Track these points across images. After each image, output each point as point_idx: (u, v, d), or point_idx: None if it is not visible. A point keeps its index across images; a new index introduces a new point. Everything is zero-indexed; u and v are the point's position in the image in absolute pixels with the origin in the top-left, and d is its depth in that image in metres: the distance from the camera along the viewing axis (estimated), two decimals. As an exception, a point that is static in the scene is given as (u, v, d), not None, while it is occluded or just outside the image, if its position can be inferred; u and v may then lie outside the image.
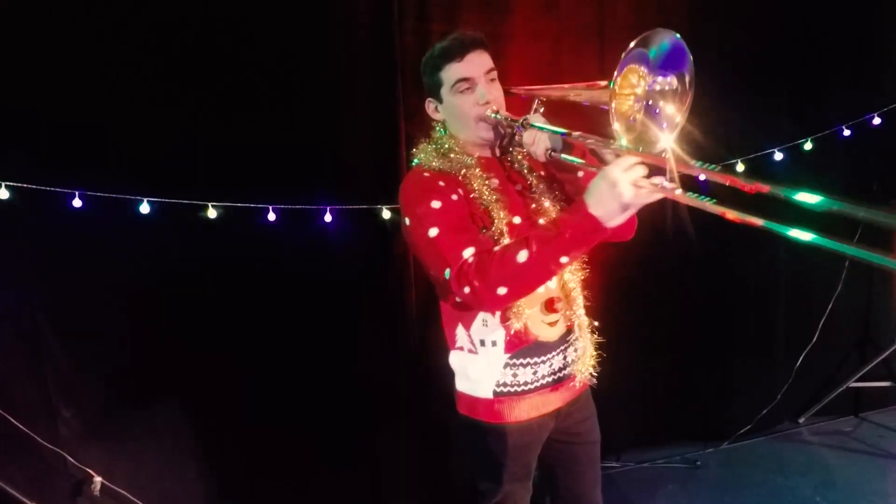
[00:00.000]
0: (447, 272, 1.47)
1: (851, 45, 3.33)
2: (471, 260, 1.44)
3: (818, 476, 3.13)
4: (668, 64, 1.36)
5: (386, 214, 2.67)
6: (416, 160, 1.69)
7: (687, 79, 1.37)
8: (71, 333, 2.44)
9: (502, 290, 1.41)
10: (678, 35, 1.31)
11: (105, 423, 2.54)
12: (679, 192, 1.23)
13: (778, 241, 3.40)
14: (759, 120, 3.16)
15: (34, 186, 2.25)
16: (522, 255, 1.37)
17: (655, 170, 1.28)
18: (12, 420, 2.33)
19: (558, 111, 1.67)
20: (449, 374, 1.80)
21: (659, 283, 3.17)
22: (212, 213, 2.46)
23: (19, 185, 2.24)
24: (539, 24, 2.82)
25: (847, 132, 3.30)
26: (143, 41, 2.35)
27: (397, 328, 2.81)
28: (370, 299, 2.75)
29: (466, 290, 1.43)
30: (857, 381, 3.63)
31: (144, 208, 2.37)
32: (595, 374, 1.76)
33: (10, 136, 2.25)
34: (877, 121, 3.31)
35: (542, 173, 1.73)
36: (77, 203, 2.30)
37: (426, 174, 1.62)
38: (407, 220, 1.58)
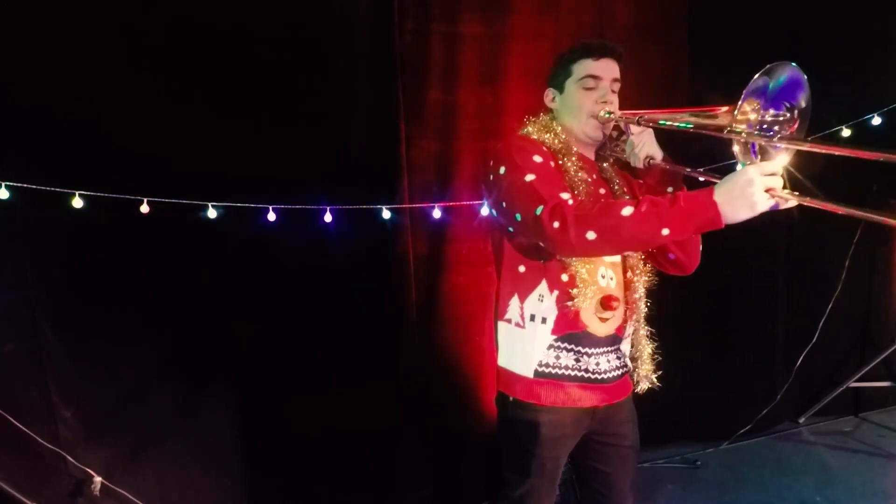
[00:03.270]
0: (539, 209, 1.48)
1: (851, 45, 3.33)
2: (571, 202, 1.48)
3: (818, 476, 3.13)
4: (783, 95, 1.37)
5: (386, 214, 2.67)
6: (521, 131, 1.76)
7: (801, 108, 1.38)
8: (71, 333, 2.44)
9: (591, 235, 1.42)
10: (800, 71, 1.33)
11: (105, 423, 2.53)
12: (800, 199, 1.28)
13: (778, 240, 3.43)
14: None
15: (34, 186, 2.25)
16: (627, 210, 1.40)
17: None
18: (12, 420, 2.33)
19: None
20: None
21: (658, 283, 3.16)
22: (212, 213, 2.46)
23: (19, 185, 2.25)
24: (539, 24, 2.82)
25: (847, 132, 3.30)
26: (144, 41, 2.36)
27: (398, 328, 2.81)
28: (370, 300, 2.75)
29: (556, 224, 1.44)
30: (857, 381, 3.63)
31: (144, 208, 2.37)
32: (655, 380, 1.82)
33: (10, 136, 2.25)
34: (877, 121, 3.31)
35: (626, 189, 1.79)
36: (78, 203, 2.30)
37: (532, 139, 1.71)
38: (502, 169, 1.61)
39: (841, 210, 1.21)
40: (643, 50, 3.05)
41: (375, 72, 2.64)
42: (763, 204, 1.30)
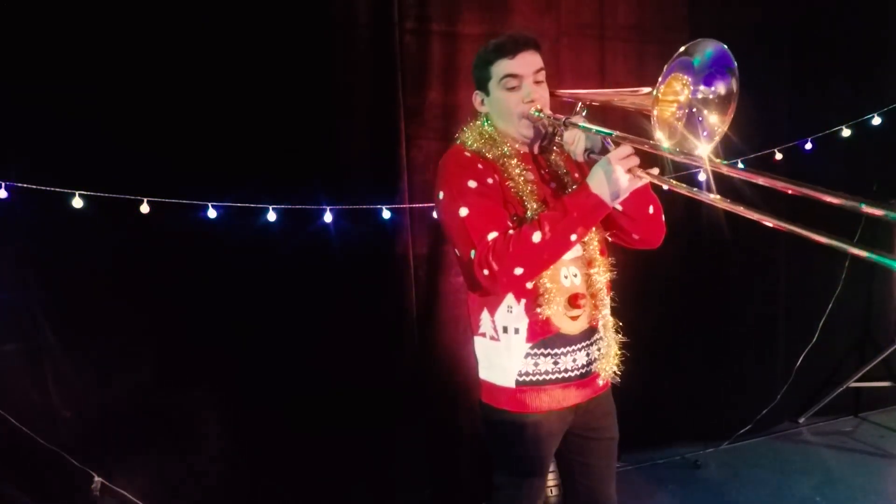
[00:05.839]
0: (472, 253, 1.55)
1: (851, 45, 3.33)
2: (492, 243, 1.52)
3: (818, 476, 3.13)
4: (712, 73, 1.42)
5: (386, 214, 2.68)
6: (458, 140, 1.75)
7: (731, 89, 1.43)
8: (71, 333, 2.44)
9: (518, 271, 1.51)
10: (724, 45, 1.38)
11: (105, 423, 2.53)
12: (660, 179, 1.43)
13: (778, 240, 3.43)
14: (759, 120, 3.17)
15: (34, 186, 2.25)
16: (537, 236, 1.49)
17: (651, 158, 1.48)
18: (12, 420, 2.33)
19: (600, 115, 1.69)
20: (465, 365, 1.79)
21: (658, 284, 3.17)
22: (212, 213, 2.46)
23: (19, 185, 2.25)
24: (539, 24, 2.82)
25: (847, 132, 3.30)
26: (144, 41, 2.36)
27: (397, 328, 2.81)
28: (370, 299, 2.75)
29: (486, 272, 1.52)
30: (857, 381, 3.63)
31: (144, 208, 2.37)
32: (619, 373, 1.79)
33: (10, 136, 2.25)
34: (877, 121, 3.31)
35: (577, 175, 1.77)
36: (77, 203, 2.30)
37: (467, 153, 1.68)
38: (441, 194, 1.64)
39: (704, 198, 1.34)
40: (643, 50, 3.05)
41: (375, 72, 2.64)
42: (630, 183, 1.47)
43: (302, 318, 2.66)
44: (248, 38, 2.47)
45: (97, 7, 2.29)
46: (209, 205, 2.45)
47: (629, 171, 1.45)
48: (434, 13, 2.68)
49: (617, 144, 1.50)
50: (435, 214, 2.69)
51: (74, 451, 2.48)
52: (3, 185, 2.23)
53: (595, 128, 1.58)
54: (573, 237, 1.52)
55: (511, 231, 1.55)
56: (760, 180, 1.21)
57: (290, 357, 2.68)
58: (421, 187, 2.75)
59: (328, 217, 2.61)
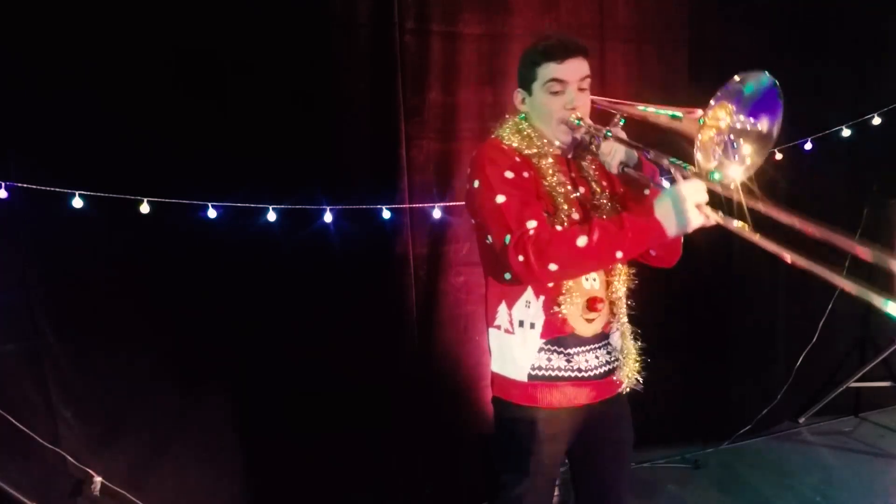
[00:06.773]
0: (507, 238, 1.53)
1: (851, 45, 3.33)
2: (532, 232, 1.51)
3: (818, 476, 3.14)
4: (759, 107, 1.41)
5: (386, 214, 2.68)
6: (494, 134, 1.75)
7: (774, 128, 1.42)
8: (71, 333, 2.44)
9: (553, 267, 1.49)
10: (776, 82, 1.37)
11: (105, 423, 2.53)
12: (737, 224, 1.33)
13: (778, 239, 3.43)
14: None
15: (34, 186, 2.25)
16: (582, 240, 1.47)
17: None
18: (12, 420, 2.33)
19: (636, 128, 1.68)
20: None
21: (658, 283, 3.17)
22: (212, 213, 2.46)
23: (19, 185, 2.25)
24: (539, 24, 2.82)
25: (847, 132, 3.30)
26: (144, 40, 2.35)
27: (397, 328, 2.81)
28: (370, 299, 2.75)
29: (521, 258, 1.50)
30: (857, 381, 3.64)
31: (144, 208, 2.37)
32: (640, 379, 1.79)
33: (11, 135, 2.25)
34: (877, 121, 3.31)
35: (605, 184, 1.77)
36: (77, 203, 2.30)
37: (504, 146, 1.69)
38: (476, 183, 1.64)
39: (768, 245, 1.29)
40: (643, 50, 3.05)
41: (375, 72, 2.64)
42: (696, 219, 1.41)
43: (302, 318, 2.66)
44: (248, 37, 2.47)
45: (97, 7, 2.29)
46: (209, 205, 2.45)
47: (698, 206, 1.40)
48: (434, 13, 2.68)
49: (654, 162, 1.49)
50: (436, 213, 2.73)
51: (74, 451, 2.48)
52: (3, 185, 2.22)
53: (633, 143, 1.58)
54: (619, 254, 1.48)
55: (553, 227, 1.54)
56: (784, 218, 1.22)
57: (289, 357, 2.67)
58: (421, 187, 2.75)
59: (328, 217, 2.61)
